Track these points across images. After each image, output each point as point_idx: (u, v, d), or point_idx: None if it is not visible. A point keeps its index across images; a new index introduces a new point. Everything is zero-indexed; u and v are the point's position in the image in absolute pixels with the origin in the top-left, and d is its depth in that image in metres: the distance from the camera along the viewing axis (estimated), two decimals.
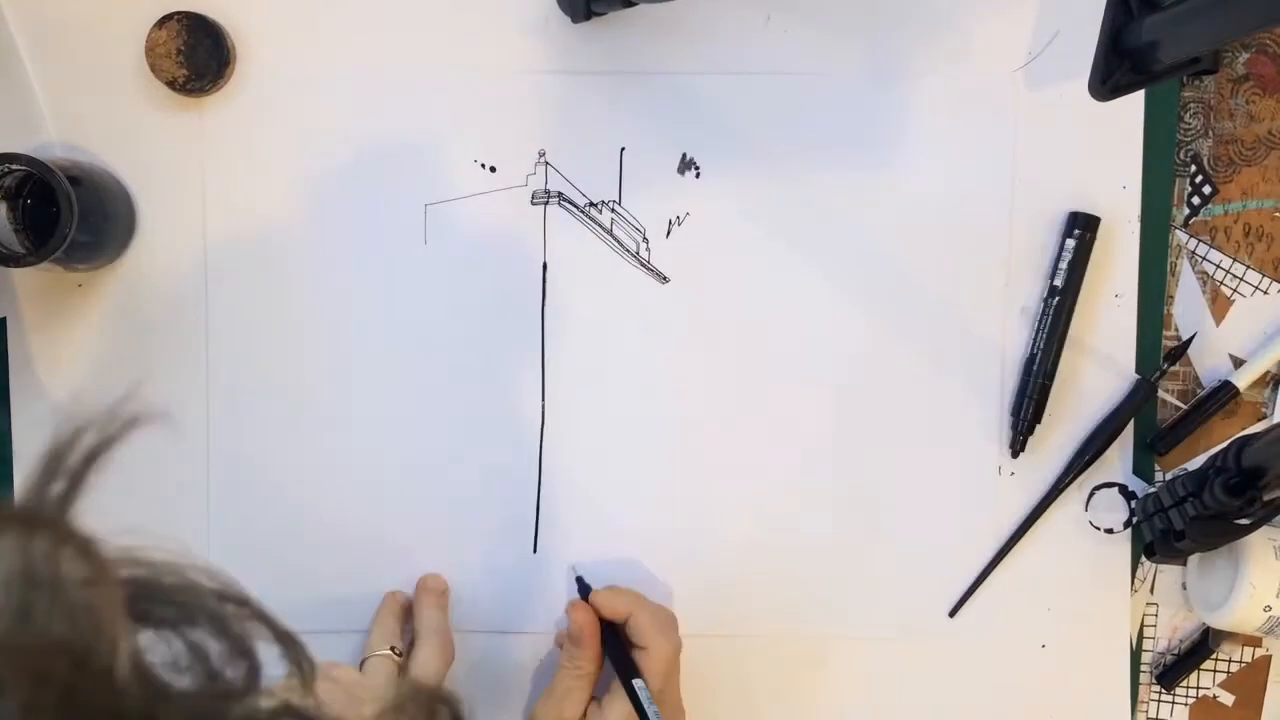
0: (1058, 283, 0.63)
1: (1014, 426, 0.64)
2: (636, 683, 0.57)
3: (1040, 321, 0.63)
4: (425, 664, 0.58)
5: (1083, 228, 0.62)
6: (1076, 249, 0.62)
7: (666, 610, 0.60)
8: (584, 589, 0.61)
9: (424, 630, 0.60)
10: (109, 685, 0.23)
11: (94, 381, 0.62)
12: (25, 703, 0.22)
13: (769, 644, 0.65)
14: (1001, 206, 0.63)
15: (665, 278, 0.63)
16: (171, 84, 0.60)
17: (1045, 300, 0.63)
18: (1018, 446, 0.64)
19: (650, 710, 0.56)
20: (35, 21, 0.61)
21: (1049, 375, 0.63)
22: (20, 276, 0.62)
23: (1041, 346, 0.63)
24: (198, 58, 0.60)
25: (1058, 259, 0.63)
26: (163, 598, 0.25)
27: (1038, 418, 0.63)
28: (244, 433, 0.63)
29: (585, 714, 0.58)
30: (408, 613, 0.62)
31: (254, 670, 0.26)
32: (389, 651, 0.58)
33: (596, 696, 0.59)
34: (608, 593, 0.60)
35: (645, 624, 0.58)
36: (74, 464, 0.25)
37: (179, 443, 0.63)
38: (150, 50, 0.60)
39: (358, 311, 0.63)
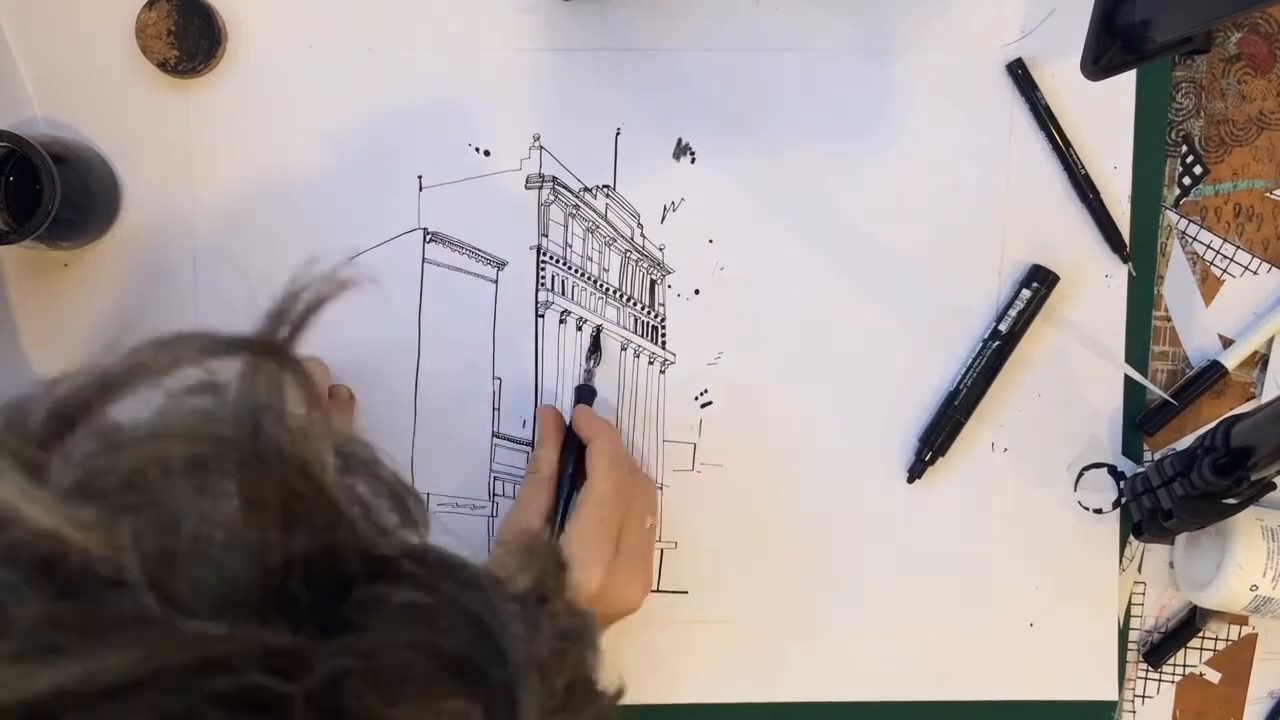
0: (1002, 327, 0.63)
1: (918, 452, 0.64)
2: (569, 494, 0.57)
3: (977, 358, 0.63)
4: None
5: (1041, 281, 0.62)
6: (1030, 300, 0.62)
7: (632, 461, 0.60)
8: (579, 398, 0.62)
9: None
10: (324, 498, 0.26)
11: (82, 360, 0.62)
12: (250, 501, 0.25)
13: (761, 634, 0.65)
14: (994, 186, 0.64)
15: (664, 266, 0.63)
16: (163, 65, 0.60)
17: (985, 341, 0.63)
18: (916, 473, 0.64)
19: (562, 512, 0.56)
20: (23, 1, 0.61)
21: (966, 413, 0.63)
22: (5, 255, 0.62)
23: (968, 383, 0.63)
24: (188, 38, 0.60)
25: (1009, 304, 0.63)
26: (342, 448, 0.28)
27: (942, 450, 0.64)
28: None
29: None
30: None
31: (408, 516, 0.29)
32: None
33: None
34: (585, 413, 0.61)
35: (596, 453, 0.57)
36: (296, 314, 0.28)
37: None
38: (141, 31, 0.60)
39: (350, 296, 0.63)
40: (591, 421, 0.60)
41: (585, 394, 0.63)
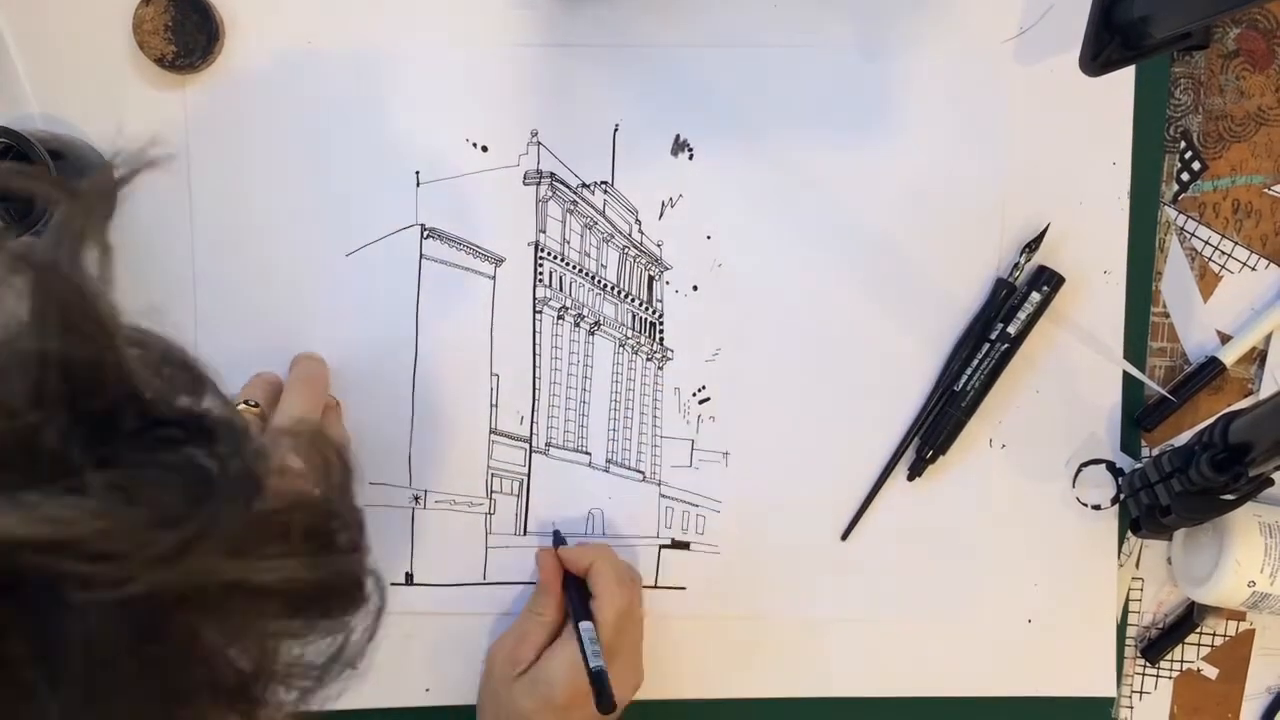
0: (1011, 330, 0.62)
1: (919, 451, 0.64)
2: (583, 625, 0.57)
3: (984, 360, 0.63)
4: (288, 407, 0.56)
5: (1048, 284, 0.62)
6: (1039, 304, 0.62)
7: (628, 566, 0.62)
8: (558, 541, 0.63)
9: (291, 377, 0.59)
10: (118, 379, 0.27)
11: None
12: (33, 389, 0.25)
13: (758, 630, 0.65)
14: (992, 182, 0.63)
15: (662, 262, 0.63)
16: (160, 60, 0.60)
17: (992, 343, 0.63)
18: (917, 471, 0.64)
19: (589, 650, 0.56)
20: None
21: (969, 413, 0.63)
22: None
23: (975, 385, 0.63)
24: (186, 33, 0.60)
25: (1018, 308, 0.63)
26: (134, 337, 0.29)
27: (943, 449, 0.64)
28: None
29: (539, 658, 0.59)
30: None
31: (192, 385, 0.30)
32: (245, 405, 0.56)
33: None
34: (575, 547, 0.62)
35: (603, 573, 0.59)
36: (107, 182, 0.31)
37: None
38: (138, 27, 0.60)
39: (347, 292, 0.63)
40: (584, 552, 0.61)
41: (560, 538, 0.63)
